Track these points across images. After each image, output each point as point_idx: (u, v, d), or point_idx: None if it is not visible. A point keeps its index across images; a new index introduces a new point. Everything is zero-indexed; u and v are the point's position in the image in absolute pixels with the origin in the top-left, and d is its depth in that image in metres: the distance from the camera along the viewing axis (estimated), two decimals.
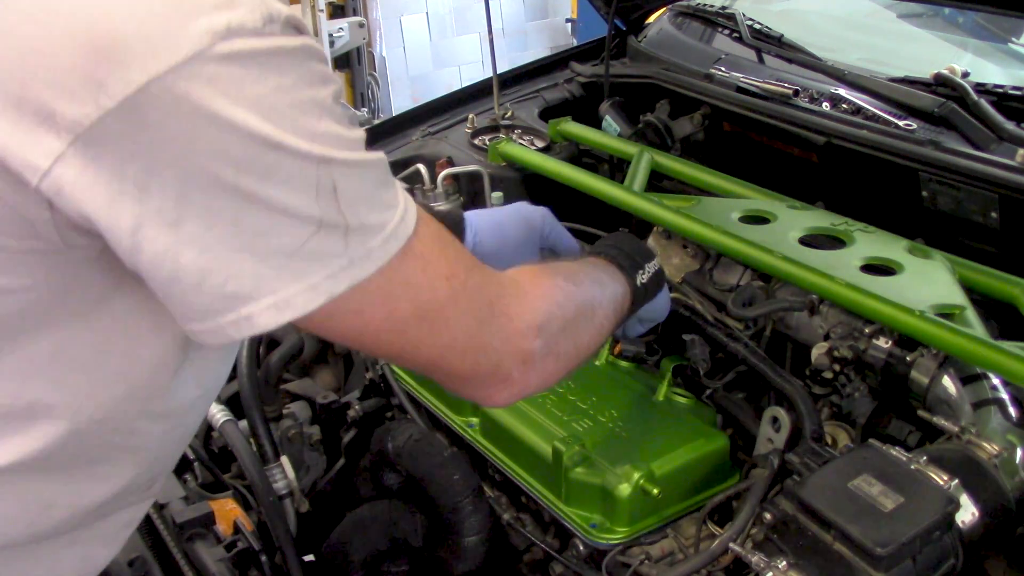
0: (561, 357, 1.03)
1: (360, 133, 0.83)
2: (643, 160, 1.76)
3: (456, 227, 1.40)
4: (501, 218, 1.44)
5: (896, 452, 1.08)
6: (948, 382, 1.24)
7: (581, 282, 1.11)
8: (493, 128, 2.14)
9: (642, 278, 1.24)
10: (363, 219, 0.80)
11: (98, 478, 0.95)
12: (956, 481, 1.03)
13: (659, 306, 1.35)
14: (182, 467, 1.50)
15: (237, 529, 1.36)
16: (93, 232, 0.76)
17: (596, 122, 2.08)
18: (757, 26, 2.04)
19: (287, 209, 0.76)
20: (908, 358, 1.27)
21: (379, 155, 0.84)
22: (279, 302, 0.77)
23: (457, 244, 0.93)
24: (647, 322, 1.38)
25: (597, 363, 1.50)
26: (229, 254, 0.76)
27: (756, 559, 1.02)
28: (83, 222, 0.75)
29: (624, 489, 1.22)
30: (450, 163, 1.96)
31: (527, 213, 1.44)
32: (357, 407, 1.63)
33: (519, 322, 0.97)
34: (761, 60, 2.00)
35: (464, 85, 2.42)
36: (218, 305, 0.77)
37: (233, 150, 0.73)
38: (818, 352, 1.35)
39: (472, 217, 1.42)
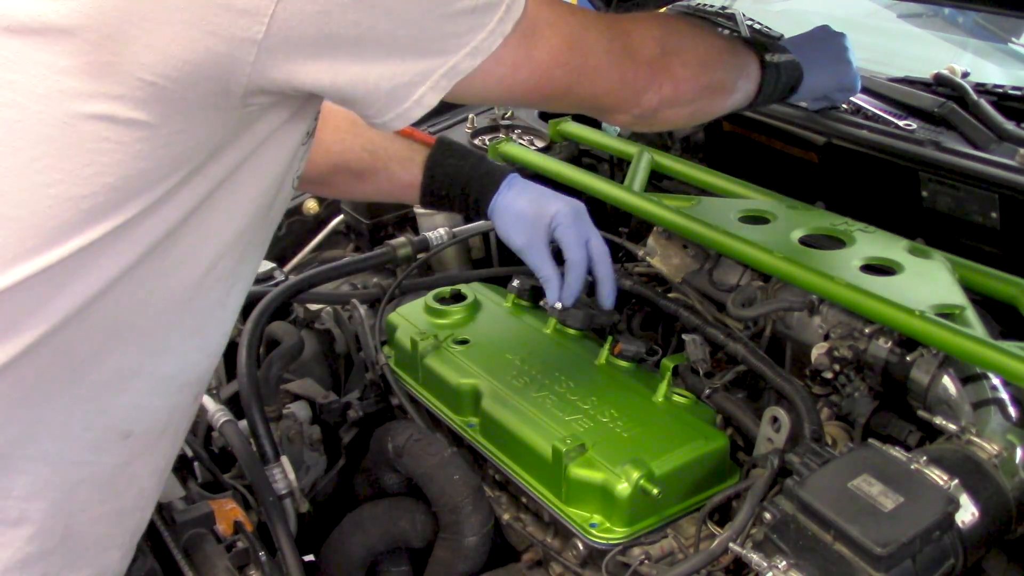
0: (685, 62, 1.22)
1: None
2: (643, 160, 1.76)
3: (494, 174, 1.49)
4: (530, 194, 1.48)
5: (896, 452, 1.08)
6: (948, 382, 1.24)
7: (711, 41, 1.31)
8: (493, 128, 2.14)
9: (771, 58, 1.36)
10: None
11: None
12: (956, 481, 1.03)
13: (838, 81, 1.56)
14: (182, 468, 1.50)
15: (237, 529, 1.36)
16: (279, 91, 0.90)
17: (596, 122, 2.08)
18: (757, 26, 2.04)
19: None
20: (908, 358, 1.27)
21: None
22: (478, 47, 0.96)
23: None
24: (839, 94, 1.62)
25: (597, 363, 1.50)
26: (420, 18, 0.92)
27: (756, 559, 1.02)
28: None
29: (624, 489, 1.22)
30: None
31: (545, 202, 1.46)
32: (357, 407, 1.64)
33: (645, 49, 1.16)
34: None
35: None
36: (416, 65, 0.94)
37: None
38: (818, 352, 1.35)
39: (515, 179, 1.50)
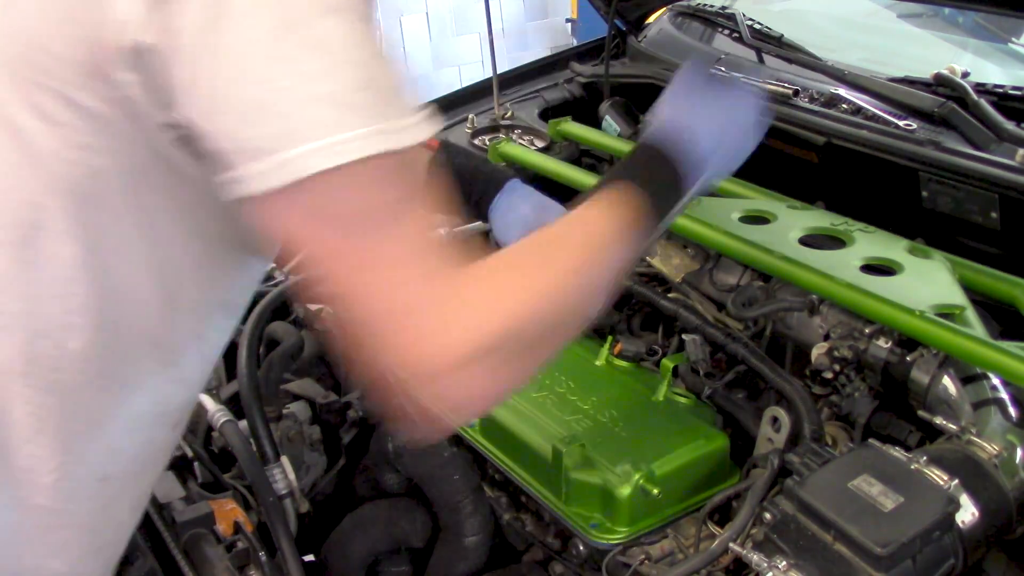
0: (528, 370, 0.89)
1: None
2: None
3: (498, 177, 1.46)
4: (532, 201, 1.46)
5: (896, 452, 1.08)
6: (948, 382, 1.24)
7: (569, 254, 0.93)
8: (493, 128, 2.14)
9: (667, 221, 1.05)
10: (400, 93, 0.81)
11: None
12: (956, 481, 1.03)
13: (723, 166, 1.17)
14: (183, 468, 1.50)
15: (237, 529, 1.36)
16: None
17: (596, 122, 2.08)
18: (757, 26, 2.04)
19: (338, 54, 0.77)
20: (908, 358, 1.27)
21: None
22: (322, 148, 0.76)
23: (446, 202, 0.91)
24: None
25: (597, 363, 1.50)
26: (278, 91, 0.76)
27: (756, 559, 1.01)
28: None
29: (624, 489, 1.22)
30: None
31: (545, 211, 1.46)
32: (357, 407, 1.64)
33: (474, 320, 0.82)
34: (761, 60, 2.00)
35: (464, 85, 2.42)
36: (263, 144, 0.77)
37: None
38: (818, 352, 1.35)
39: (517, 183, 1.48)
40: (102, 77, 0.80)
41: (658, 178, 1.04)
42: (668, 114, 1.12)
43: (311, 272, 0.83)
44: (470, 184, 1.50)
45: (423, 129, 0.80)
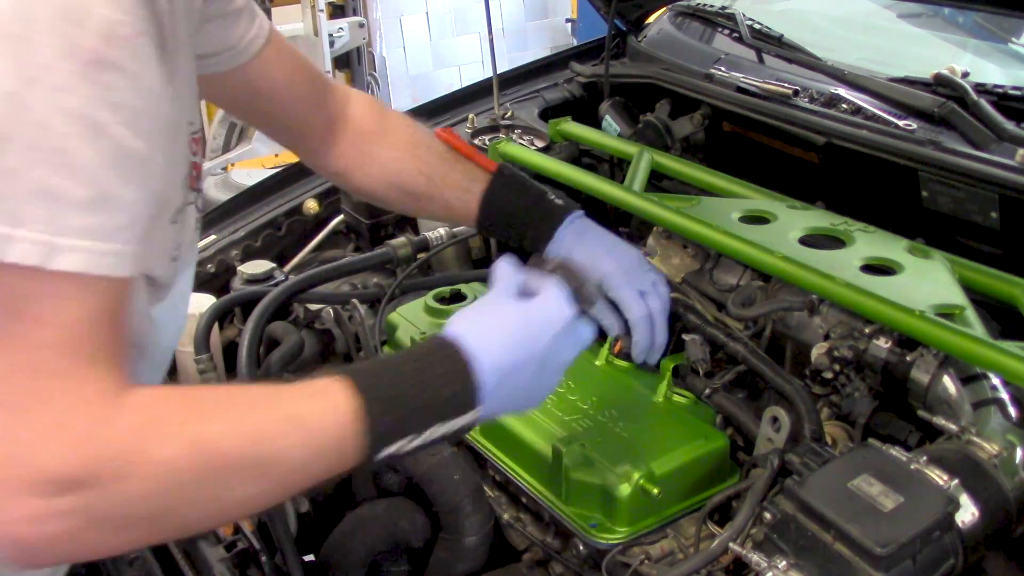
0: (120, 534, 0.76)
1: (136, 149, 0.73)
2: (643, 160, 1.76)
3: (552, 218, 1.35)
4: (584, 247, 1.34)
5: (896, 452, 1.08)
6: (948, 382, 1.24)
7: (222, 456, 0.77)
8: (493, 128, 2.14)
9: (403, 446, 0.86)
10: (8, 195, 0.69)
11: None
12: (956, 481, 1.03)
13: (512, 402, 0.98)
14: None
15: (237, 529, 1.36)
16: None
17: (596, 122, 2.08)
18: (757, 26, 2.04)
19: None
20: (908, 358, 1.27)
21: (118, 181, 0.73)
22: None
23: (91, 327, 0.74)
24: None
25: (597, 363, 1.50)
26: None
27: (756, 559, 1.02)
28: None
29: (624, 489, 1.22)
30: None
31: (598, 259, 1.33)
32: None
33: (50, 456, 0.69)
34: (761, 60, 2.00)
35: (464, 85, 2.42)
36: None
37: None
38: (818, 352, 1.35)
39: (572, 223, 1.37)
40: None
41: (394, 390, 0.86)
42: (467, 317, 0.95)
43: None
44: (521, 230, 1.40)
45: (20, 250, 0.69)
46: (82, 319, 0.73)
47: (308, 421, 0.82)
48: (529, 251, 1.40)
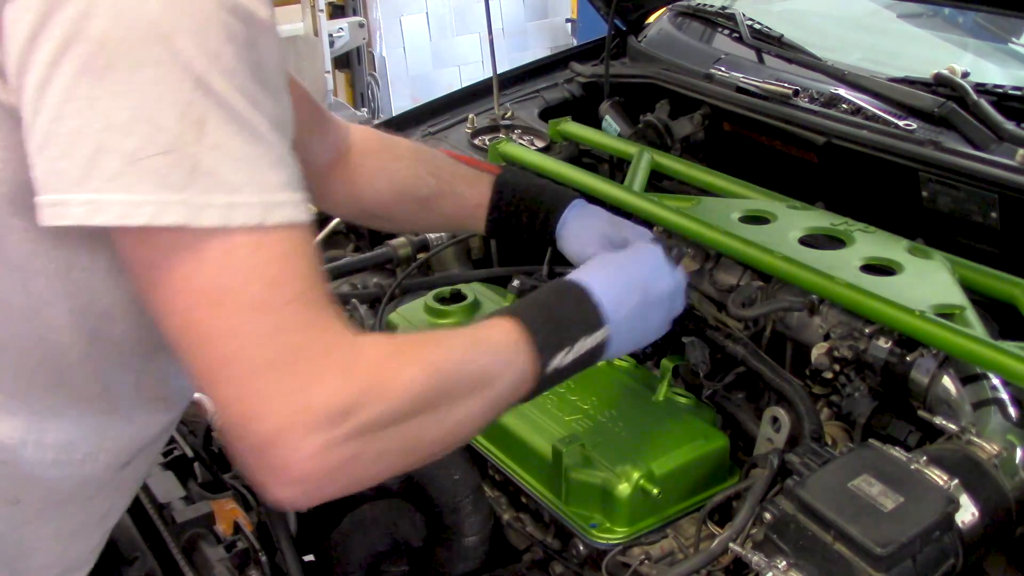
0: (384, 457, 0.85)
1: (279, 109, 0.81)
2: (643, 160, 1.76)
3: (566, 193, 1.43)
4: (605, 216, 1.41)
5: (896, 452, 1.08)
6: (948, 382, 1.23)
7: (444, 372, 0.89)
8: (493, 128, 2.14)
9: (564, 359, 1.02)
10: (220, 168, 0.77)
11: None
12: (956, 481, 1.03)
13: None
14: (183, 468, 1.50)
15: (237, 529, 1.36)
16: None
17: (596, 122, 2.08)
18: (757, 26, 2.04)
19: (145, 110, 0.74)
20: (908, 358, 1.27)
21: (279, 141, 0.81)
22: (99, 202, 0.75)
23: (311, 270, 0.82)
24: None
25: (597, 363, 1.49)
26: (72, 131, 0.74)
27: (756, 559, 1.01)
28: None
29: (624, 489, 1.22)
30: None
31: (620, 226, 1.40)
32: None
33: (321, 396, 0.79)
34: (761, 60, 2.00)
35: (464, 85, 2.42)
36: (48, 179, 0.76)
37: (125, 17, 0.73)
38: (818, 352, 1.35)
39: (583, 202, 1.43)
40: None
41: (557, 320, 1.03)
42: (587, 272, 1.11)
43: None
44: (535, 199, 1.44)
45: (239, 212, 0.77)
46: (306, 269, 0.81)
47: (491, 341, 0.97)
48: (540, 226, 1.44)
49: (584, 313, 1.06)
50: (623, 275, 1.13)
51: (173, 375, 1.03)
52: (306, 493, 0.82)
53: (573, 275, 1.11)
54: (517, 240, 1.48)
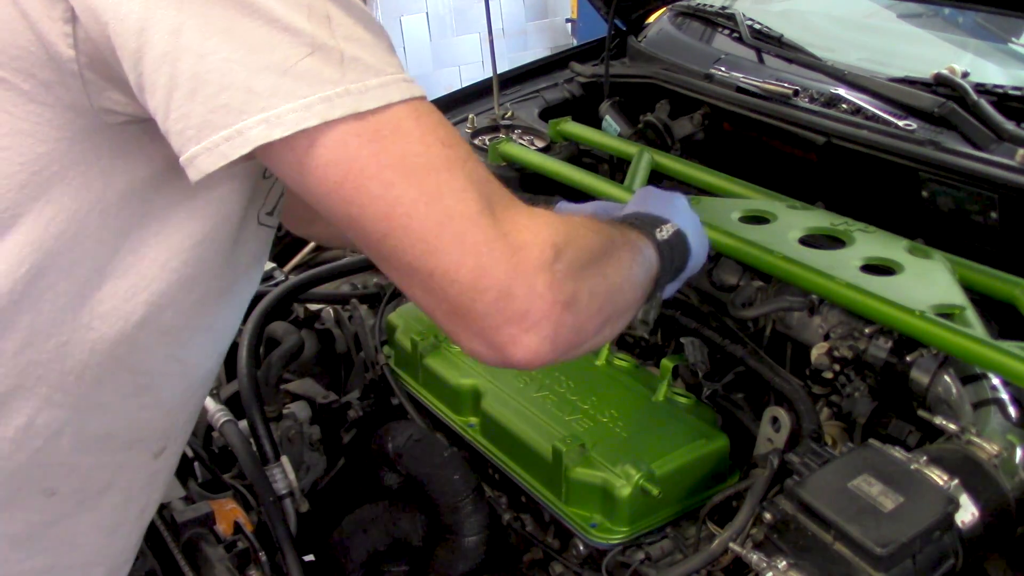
0: (595, 298, 0.88)
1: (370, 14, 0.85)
2: (643, 160, 1.76)
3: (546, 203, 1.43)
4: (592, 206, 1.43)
5: (896, 452, 1.08)
6: (948, 382, 1.24)
7: (601, 228, 0.99)
8: (493, 128, 2.14)
9: (661, 235, 1.12)
10: (360, 55, 0.80)
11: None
12: (956, 481, 1.03)
13: (695, 259, 1.24)
14: (183, 468, 1.50)
15: (237, 529, 1.36)
16: (115, 78, 0.79)
17: (596, 122, 2.08)
18: (757, 26, 2.04)
19: (279, 21, 0.77)
20: (908, 358, 1.27)
21: (383, 28, 0.86)
22: (271, 118, 0.76)
23: (461, 136, 0.86)
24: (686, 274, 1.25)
25: (597, 363, 1.49)
26: (223, 64, 0.76)
27: (756, 559, 1.02)
28: (101, 39, 0.77)
29: (624, 489, 1.22)
30: None
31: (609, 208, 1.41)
32: (357, 407, 1.64)
33: (530, 235, 0.82)
34: (761, 60, 2.00)
35: (464, 85, 2.42)
36: (212, 117, 0.77)
37: None
38: (818, 352, 1.35)
39: (565, 204, 1.43)
40: (45, 56, 0.80)
41: (671, 248, 1.13)
42: (684, 219, 1.20)
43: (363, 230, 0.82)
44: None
45: (393, 90, 0.80)
46: (457, 134, 0.84)
47: (638, 245, 1.07)
48: None
49: (681, 262, 1.16)
50: (696, 223, 1.23)
51: (205, 359, 1.05)
52: (551, 336, 0.83)
53: (677, 219, 1.17)
54: None
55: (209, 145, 0.77)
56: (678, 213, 1.19)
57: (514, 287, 0.80)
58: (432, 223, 0.79)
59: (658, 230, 1.12)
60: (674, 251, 1.13)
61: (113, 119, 0.84)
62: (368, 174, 0.78)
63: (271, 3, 0.77)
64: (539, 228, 0.84)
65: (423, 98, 0.83)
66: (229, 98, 0.76)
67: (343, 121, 0.77)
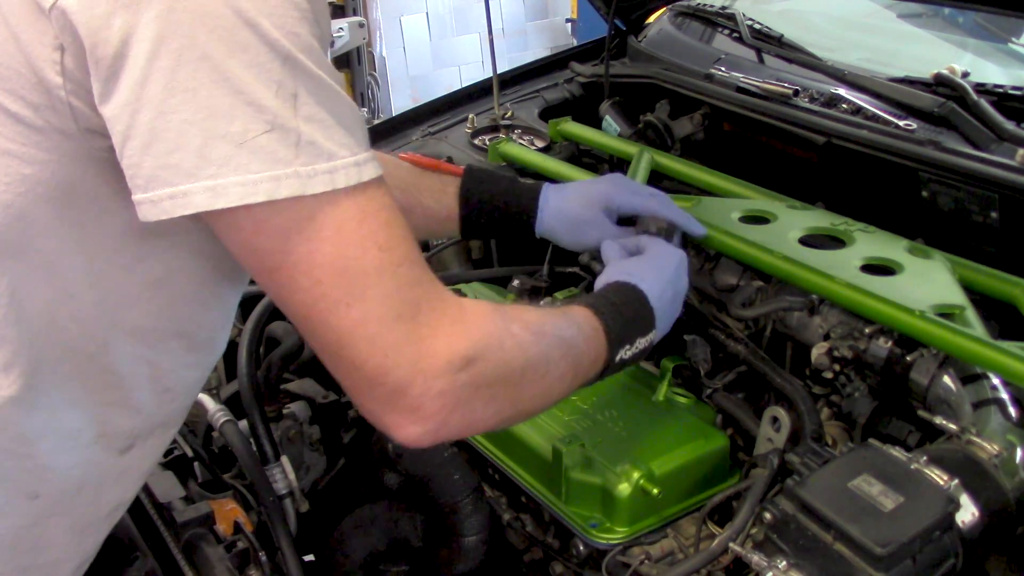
0: (493, 405, 0.93)
1: (338, 76, 0.85)
2: (643, 160, 1.76)
3: (532, 191, 1.44)
4: (567, 194, 1.45)
5: (896, 452, 1.08)
6: (948, 382, 1.23)
7: (544, 335, 1.00)
8: (493, 128, 2.14)
9: (625, 353, 1.12)
10: (316, 138, 0.81)
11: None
12: (956, 481, 1.03)
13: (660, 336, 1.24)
14: (183, 468, 1.50)
15: (237, 529, 1.36)
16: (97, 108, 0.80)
17: (596, 122, 2.08)
18: (757, 26, 2.04)
19: (244, 93, 0.78)
20: (908, 358, 1.27)
21: (351, 102, 0.86)
22: (217, 187, 0.78)
23: (406, 230, 0.88)
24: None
25: None
26: (181, 124, 0.77)
27: (756, 559, 1.01)
28: (81, 73, 0.79)
29: (624, 489, 1.22)
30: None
31: (588, 194, 1.44)
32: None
33: (444, 343, 0.86)
34: (761, 60, 2.00)
35: (464, 85, 2.42)
36: (161, 174, 0.78)
37: (212, 12, 0.76)
38: (818, 352, 1.35)
39: (549, 188, 1.45)
40: (34, 80, 0.81)
41: (625, 317, 1.14)
42: (624, 269, 1.23)
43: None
44: (504, 208, 1.44)
45: (340, 176, 0.81)
46: (403, 229, 0.87)
47: (578, 321, 1.07)
48: (518, 232, 1.45)
49: (644, 317, 1.17)
50: (663, 279, 1.23)
51: (181, 366, 1.05)
52: (433, 431, 0.89)
53: (628, 277, 1.20)
54: (497, 236, 1.51)
55: (154, 198, 0.79)
56: (663, 294, 1.21)
57: (411, 387, 0.85)
58: (348, 323, 0.84)
59: (625, 348, 1.12)
60: (622, 367, 1.14)
61: (102, 142, 0.84)
62: (301, 269, 0.82)
63: (242, 73, 0.78)
64: (457, 337, 0.87)
65: (377, 180, 0.85)
66: (180, 159, 0.78)
67: (286, 203, 0.79)
